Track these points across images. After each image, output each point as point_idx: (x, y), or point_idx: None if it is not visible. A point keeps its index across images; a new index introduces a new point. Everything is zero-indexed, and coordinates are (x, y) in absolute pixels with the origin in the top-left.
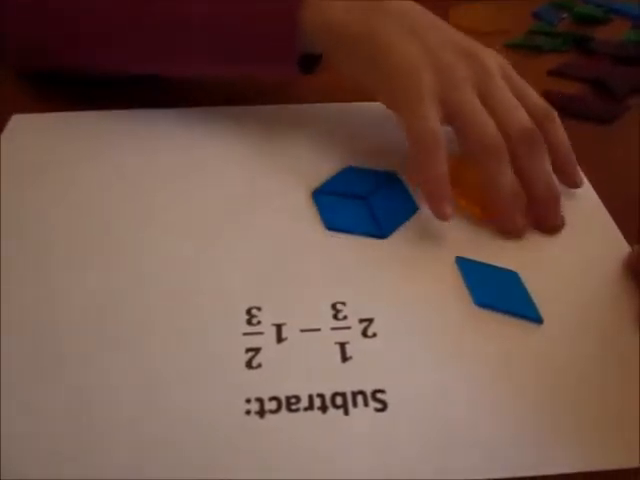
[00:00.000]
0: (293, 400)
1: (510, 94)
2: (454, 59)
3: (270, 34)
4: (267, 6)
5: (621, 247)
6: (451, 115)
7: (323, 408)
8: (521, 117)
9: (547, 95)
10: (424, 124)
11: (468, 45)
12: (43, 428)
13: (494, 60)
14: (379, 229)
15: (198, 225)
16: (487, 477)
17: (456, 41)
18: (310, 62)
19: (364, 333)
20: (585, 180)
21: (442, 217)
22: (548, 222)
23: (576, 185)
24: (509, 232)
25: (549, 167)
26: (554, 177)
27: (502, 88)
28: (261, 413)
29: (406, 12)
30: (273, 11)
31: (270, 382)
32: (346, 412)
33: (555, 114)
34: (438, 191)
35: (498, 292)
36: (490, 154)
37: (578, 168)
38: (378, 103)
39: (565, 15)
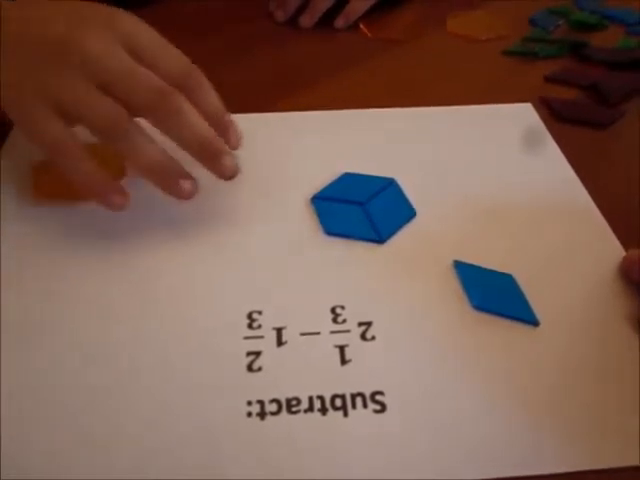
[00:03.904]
0: (293, 402)
1: (129, 69)
2: (55, 61)
3: None
4: None
5: (616, 251)
6: (67, 113)
7: (323, 410)
8: (147, 87)
9: (543, 101)
10: (43, 137)
11: (76, 24)
12: (44, 428)
13: (109, 34)
14: (377, 234)
15: (198, 230)
16: (485, 477)
17: (61, 28)
18: None
19: (363, 336)
20: (579, 184)
21: (116, 207)
22: (219, 175)
23: (233, 147)
24: (178, 197)
25: (196, 122)
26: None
27: (117, 68)
28: (262, 415)
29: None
30: None
31: (271, 385)
32: (345, 414)
33: (198, 76)
34: (100, 187)
35: (495, 295)
36: (111, 134)
37: (235, 130)
38: (376, 110)
39: (561, 22)
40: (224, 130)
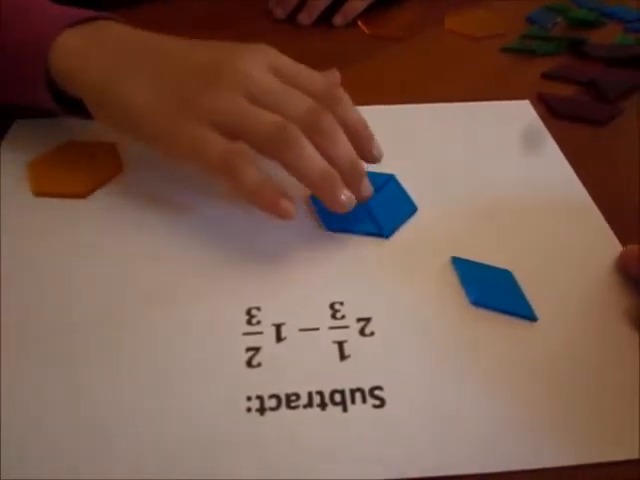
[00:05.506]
0: (293, 398)
1: (280, 87)
2: (205, 81)
3: (19, 67)
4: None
5: (613, 246)
6: (228, 128)
7: (322, 405)
8: (298, 104)
9: (541, 98)
10: (209, 153)
11: (222, 51)
12: (43, 428)
13: (257, 59)
14: (380, 230)
15: (198, 227)
16: (484, 472)
17: (206, 55)
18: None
19: (362, 332)
20: (577, 181)
21: (286, 214)
22: (358, 196)
23: (374, 159)
24: (334, 208)
25: (344, 144)
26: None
27: (269, 85)
28: (261, 410)
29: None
30: (23, 44)
31: (270, 380)
32: (345, 409)
33: (340, 93)
34: (270, 196)
35: (493, 291)
36: (277, 145)
37: (375, 143)
38: (375, 107)
39: (559, 19)
40: (366, 143)
